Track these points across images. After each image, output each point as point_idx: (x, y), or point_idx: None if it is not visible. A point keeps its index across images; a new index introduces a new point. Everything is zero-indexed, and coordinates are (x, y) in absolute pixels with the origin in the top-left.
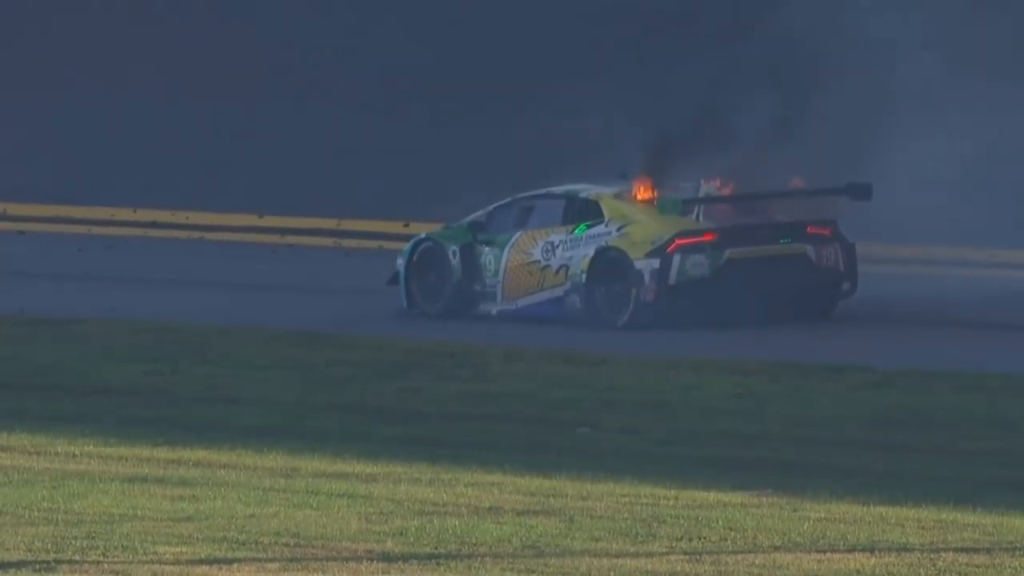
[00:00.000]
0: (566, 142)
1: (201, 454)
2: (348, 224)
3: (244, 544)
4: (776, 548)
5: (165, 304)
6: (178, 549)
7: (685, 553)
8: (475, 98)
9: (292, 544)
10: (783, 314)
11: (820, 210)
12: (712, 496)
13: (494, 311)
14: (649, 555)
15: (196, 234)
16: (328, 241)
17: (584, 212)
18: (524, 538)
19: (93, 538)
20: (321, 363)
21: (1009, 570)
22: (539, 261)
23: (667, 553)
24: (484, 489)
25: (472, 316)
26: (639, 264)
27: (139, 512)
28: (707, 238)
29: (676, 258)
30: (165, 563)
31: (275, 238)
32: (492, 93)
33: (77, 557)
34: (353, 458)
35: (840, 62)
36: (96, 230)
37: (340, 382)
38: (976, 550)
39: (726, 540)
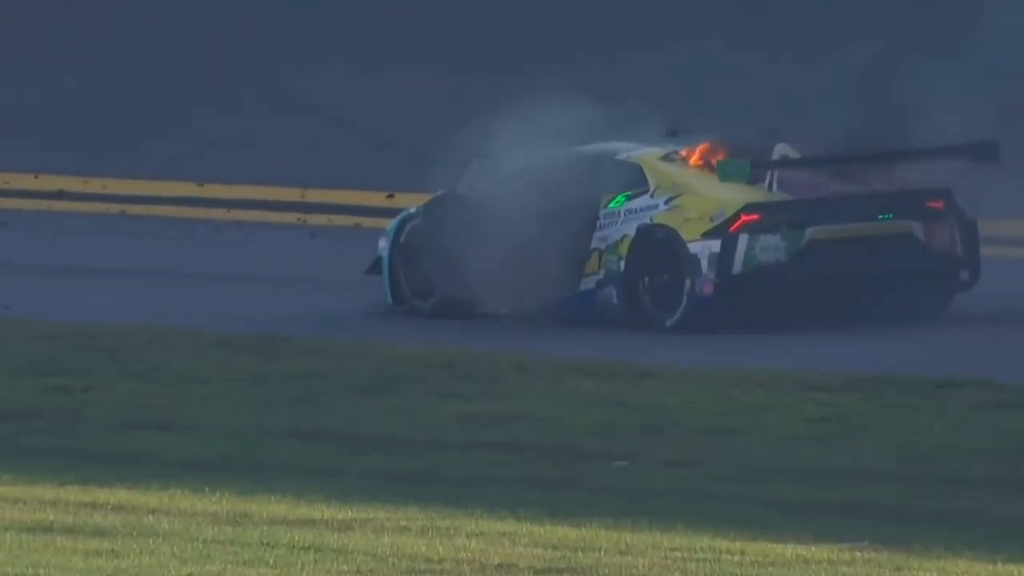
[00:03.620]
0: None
1: (123, 495)
2: (315, 195)
3: None
4: None
5: (75, 300)
6: None
7: None
8: (480, 39)
9: None
10: (882, 313)
11: (931, 176)
12: (789, 551)
13: (504, 309)
14: None
15: (116, 207)
16: (289, 217)
17: (622, 179)
18: None
19: None
20: (280, 376)
21: None
22: None
23: None
24: (492, 541)
25: (476, 315)
26: (694, 247)
27: (42, 571)
28: (783, 213)
29: (742, 239)
30: None
31: (219, 213)
32: (503, 34)
33: None
34: (321, 500)
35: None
36: None
37: (305, 401)
38: None
39: None
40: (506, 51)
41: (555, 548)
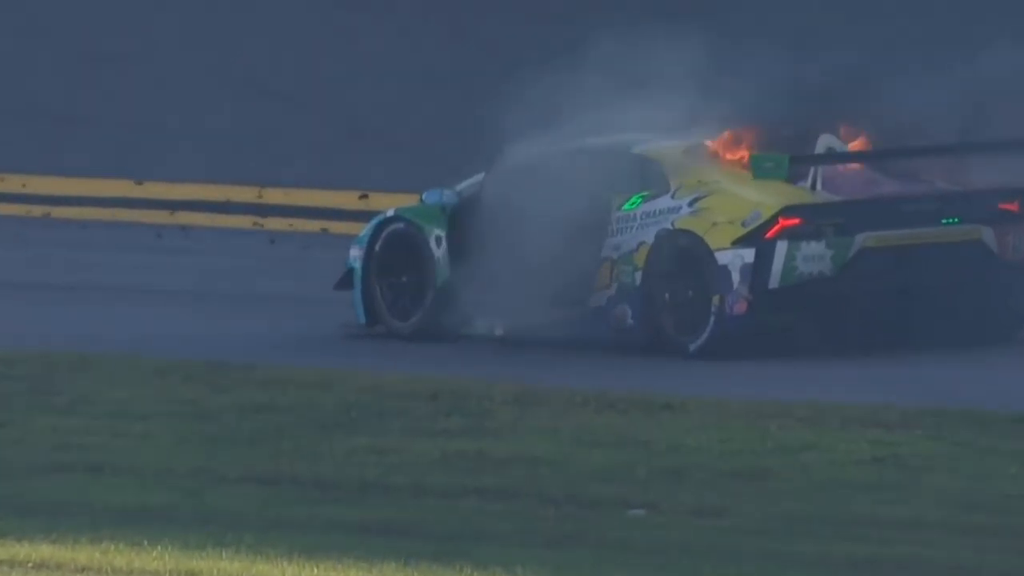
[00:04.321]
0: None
1: (47, 551)
2: (273, 195)
3: None
4: None
5: None
6: None
7: None
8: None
9: None
10: (946, 334)
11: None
12: None
13: (499, 330)
14: None
15: (39, 209)
16: (244, 221)
17: (638, 176)
18: None
19: None
20: (233, 410)
21: None
22: None
23: None
24: None
25: (464, 337)
26: (723, 257)
27: None
28: (829, 217)
29: (780, 247)
30: None
31: (162, 216)
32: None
33: None
34: (282, 556)
35: None
36: None
37: (262, 439)
38: None
39: None
40: (495, 18)
41: None
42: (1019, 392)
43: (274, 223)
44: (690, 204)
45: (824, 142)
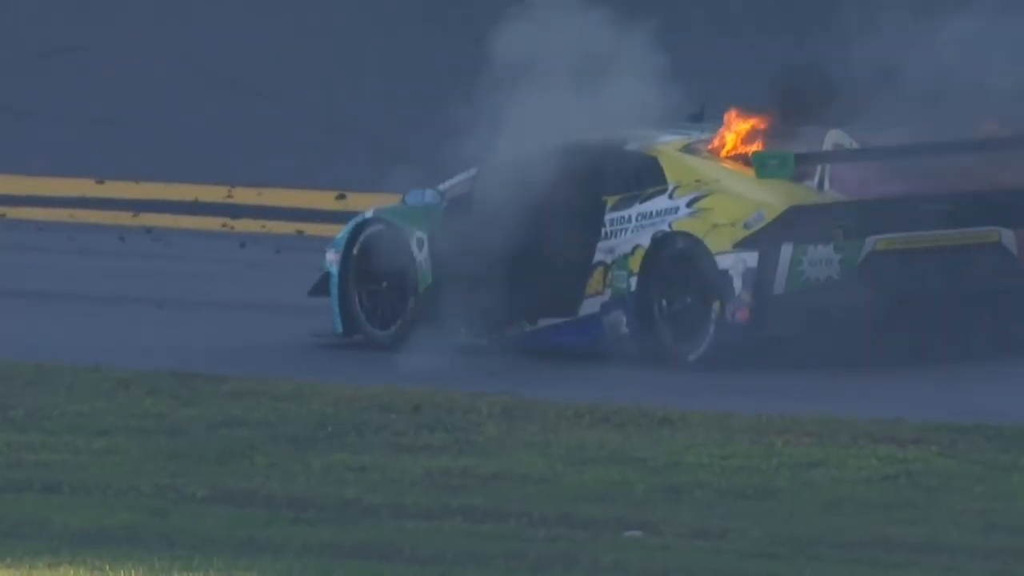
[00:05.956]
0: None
1: None
2: (244, 195)
3: None
4: None
5: None
6: None
7: None
8: None
9: None
10: (963, 344)
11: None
12: None
13: (484, 339)
14: None
15: None
16: (213, 223)
17: (634, 175)
18: None
19: None
20: (201, 424)
21: None
22: None
23: None
24: None
25: (449, 346)
26: (724, 260)
27: None
28: (837, 218)
29: (785, 251)
30: None
31: (125, 218)
32: None
33: None
34: None
35: None
36: None
37: (232, 456)
38: None
39: None
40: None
41: None
42: None
43: (245, 225)
44: (689, 204)
45: (832, 138)
